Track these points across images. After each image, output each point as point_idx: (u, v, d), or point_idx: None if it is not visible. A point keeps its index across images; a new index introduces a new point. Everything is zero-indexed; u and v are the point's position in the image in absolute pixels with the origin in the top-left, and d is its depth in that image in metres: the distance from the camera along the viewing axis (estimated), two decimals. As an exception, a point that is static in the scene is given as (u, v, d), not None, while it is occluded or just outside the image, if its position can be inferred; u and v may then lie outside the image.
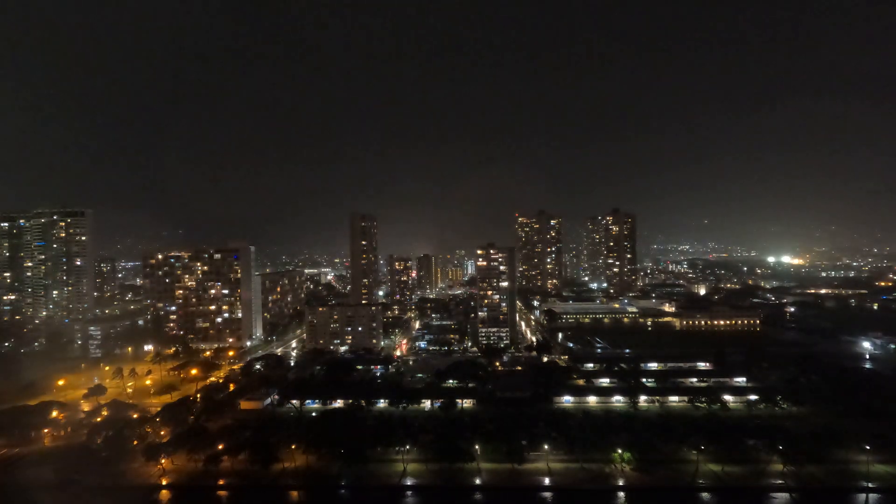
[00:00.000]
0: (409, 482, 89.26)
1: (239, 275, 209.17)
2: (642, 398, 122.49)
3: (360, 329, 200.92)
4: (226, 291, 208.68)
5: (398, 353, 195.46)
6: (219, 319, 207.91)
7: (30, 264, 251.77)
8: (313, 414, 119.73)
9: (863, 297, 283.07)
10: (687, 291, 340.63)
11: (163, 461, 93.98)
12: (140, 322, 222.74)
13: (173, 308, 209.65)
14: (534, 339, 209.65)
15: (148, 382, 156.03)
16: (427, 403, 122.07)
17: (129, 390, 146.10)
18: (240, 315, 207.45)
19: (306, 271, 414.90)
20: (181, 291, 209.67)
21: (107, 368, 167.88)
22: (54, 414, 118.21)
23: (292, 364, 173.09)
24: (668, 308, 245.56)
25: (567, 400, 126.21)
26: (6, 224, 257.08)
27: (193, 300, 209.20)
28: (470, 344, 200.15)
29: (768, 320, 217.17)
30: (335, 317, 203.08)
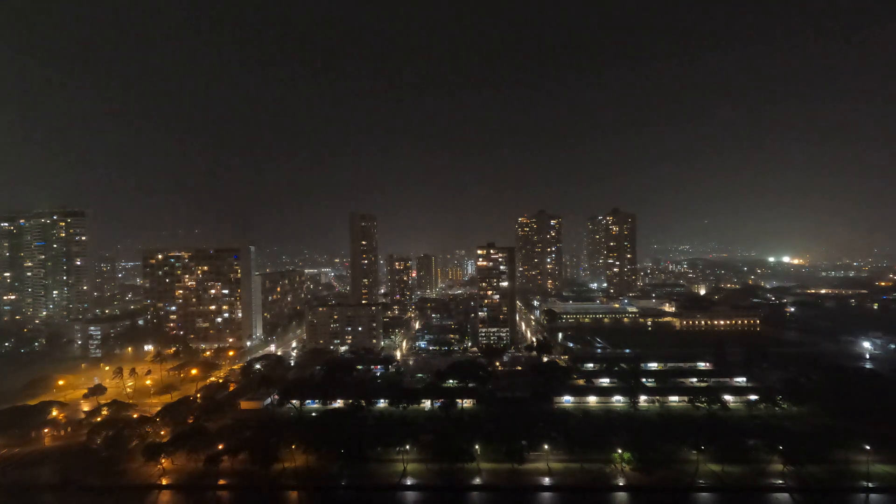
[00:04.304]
0: (409, 482, 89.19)
1: (239, 275, 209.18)
2: (642, 398, 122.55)
3: (360, 329, 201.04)
4: (226, 291, 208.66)
5: (398, 353, 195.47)
6: (219, 319, 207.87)
7: (30, 264, 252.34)
8: (313, 414, 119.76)
9: (863, 297, 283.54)
10: (687, 291, 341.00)
11: (163, 461, 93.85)
12: (140, 322, 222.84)
13: (173, 308, 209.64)
14: (534, 339, 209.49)
15: (148, 382, 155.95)
16: (427, 403, 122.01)
17: (129, 390, 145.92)
18: (240, 315, 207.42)
19: (306, 271, 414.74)
20: (181, 291, 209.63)
21: (107, 368, 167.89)
22: (54, 414, 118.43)
23: (292, 364, 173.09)
24: (668, 308, 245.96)
25: (567, 400, 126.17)
26: (6, 224, 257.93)
27: (193, 300, 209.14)
28: (470, 344, 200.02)
29: (768, 320, 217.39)
30: (335, 317, 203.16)
